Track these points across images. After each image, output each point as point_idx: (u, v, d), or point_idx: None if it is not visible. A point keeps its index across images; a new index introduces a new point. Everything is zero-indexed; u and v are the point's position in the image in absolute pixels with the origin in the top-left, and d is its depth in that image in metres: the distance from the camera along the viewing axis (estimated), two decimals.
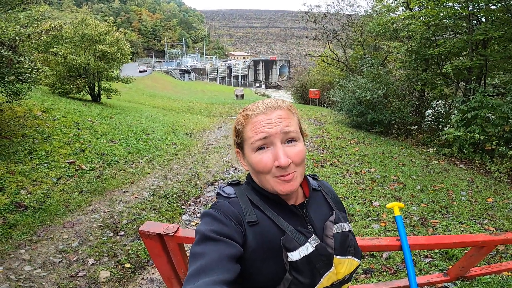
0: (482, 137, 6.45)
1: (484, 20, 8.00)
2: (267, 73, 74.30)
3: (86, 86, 11.43)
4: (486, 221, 3.61)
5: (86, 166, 4.63)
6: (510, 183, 5.29)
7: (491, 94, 7.36)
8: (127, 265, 2.68)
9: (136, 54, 74.41)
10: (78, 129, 6.21)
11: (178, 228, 1.16)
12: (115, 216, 3.48)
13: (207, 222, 0.72)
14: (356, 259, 0.80)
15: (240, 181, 0.87)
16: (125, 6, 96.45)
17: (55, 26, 8.86)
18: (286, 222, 0.76)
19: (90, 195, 3.88)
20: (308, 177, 0.90)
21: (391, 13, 12.10)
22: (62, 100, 9.40)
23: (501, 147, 6.25)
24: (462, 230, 3.31)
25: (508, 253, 2.75)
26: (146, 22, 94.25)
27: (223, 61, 74.01)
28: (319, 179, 0.98)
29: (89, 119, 7.41)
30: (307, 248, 0.72)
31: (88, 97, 12.05)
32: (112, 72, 12.41)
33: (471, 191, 4.65)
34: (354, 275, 0.82)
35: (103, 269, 2.58)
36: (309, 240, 0.74)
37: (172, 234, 1.13)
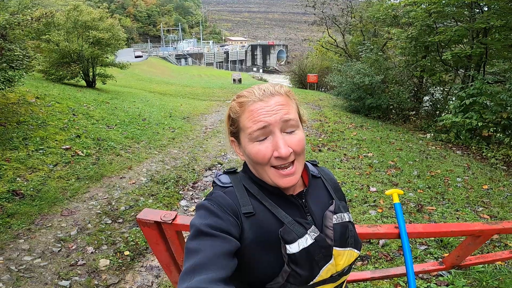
0: (479, 124, 6.46)
1: (486, 8, 7.86)
2: (264, 58, 73.34)
3: (81, 72, 11.28)
4: (481, 208, 3.65)
5: (82, 152, 4.59)
6: (506, 170, 5.34)
7: (490, 82, 7.33)
8: (126, 252, 2.69)
9: (131, 39, 72.85)
10: (73, 114, 6.12)
11: (176, 215, 1.14)
12: (113, 203, 3.48)
13: (202, 216, 0.69)
14: (355, 251, 0.78)
15: (236, 169, 0.84)
16: None
17: (46, 13, 8.61)
18: (285, 212, 0.74)
19: (87, 182, 3.86)
20: (307, 163, 0.87)
21: None
22: (56, 86, 9.23)
23: (498, 134, 6.28)
24: (457, 218, 3.35)
25: (502, 242, 2.80)
26: (141, 7, 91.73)
27: (220, 46, 72.87)
28: (319, 165, 0.94)
29: (84, 104, 7.30)
30: (306, 240, 0.70)
31: (83, 83, 11.87)
32: (107, 58, 12.21)
33: (467, 178, 4.69)
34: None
35: (103, 257, 2.59)
36: (308, 232, 0.71)
37: (170, 222, 1.11)
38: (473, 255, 1.71)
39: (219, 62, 61.66)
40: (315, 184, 0.85)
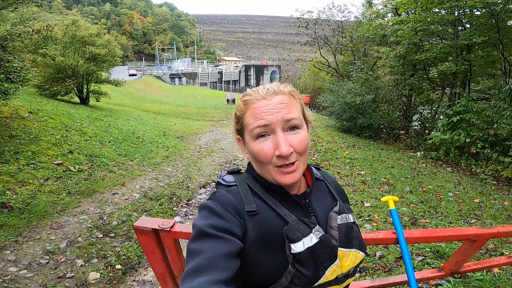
0: (467, 140, 6.63)
1: (468, 25, 8.27)
2: (258, 78, 74.67)
3: (75, 88, 11.23)
4: (473, 220, 3.69)
5: (74, 168, 4.52)
6: (496, 185, 5.44)
7: (475, 99, 7.60)
8: (118, 266, 2.61)
9: (126, 57, 73.61)
10: (66, 130, 6.08)
11: (174, 223, 1.13)
12: (105, 218, 3.40)
13: (204, 216, 0.68)
14: (361, 252, 0.77)
15: (240, 170, 0.84)
16: (116, 9, 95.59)
17: (46, 26, 8.70)
18: (289, 212, 0.73)
19: (78, 197, 3.78)
20: (311, 166, 0.87)
21: (380, 19, 12.37)
22: (50, 101, 9.20)
23: (486, 150, 6.43)
24: None
25: (497, 251, 2.82)
26: (137, 25, 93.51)
27: (214, 66, 74.21)
28: (322, 169, 0.94)
29: (78, 121, 7.27)
30: (311, 239, 0.69)
31: (77, 99, 11.83)
32: (102, 74, 12.23)
33: (458, 192, 4.75)
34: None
35: (93, 271, 2.51)
36: (313, 231, 0.70)
37: (168, 229, 1.09)
38: (470, 262, 1.72)
39: (213, 82, 62.41)
40: (319, 186, 0.85)
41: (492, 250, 2.83)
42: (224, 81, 64.94)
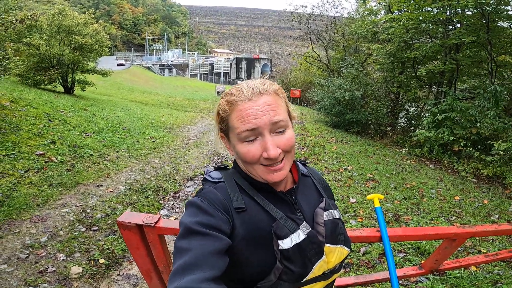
0: (450, 138, 6.80)
1: (459, 25, 8.41)
2: (249, 71, 74.25)
3: (59, 77, 10.95)
4: (453, 218, 3.81)
5: (56, 159, 4.39)
6: (476, 183, 5.62)
7: (461, 98, 7.78)
8: (101, 260, 2.56)
9: (114, 47, 71.72)
10: (49, 120, 5.89)
11: (159, 218, 1.11)
12: (88, 211, 3.33)
13: (192, 213, 0.67)
14: (346, 248, 0.78)
15: (227, 166, 0.83)
16: None
17: (30, 16, 8.39)
18: (276, 208, 0.73)
19: (60, 189, 3.68)
20: (297, 162, 0.87)
21: (373, 16, 12.44)
22: (32, 90, 8.89)
23: (468, 149, 6.62)
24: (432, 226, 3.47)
25: (475, 248, 2.91)
26: (127, 15, 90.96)
27: (205, 58, 73.23)
28: (308, 164, 0.94)
29: (61, 110, 7.04)
30: (298, 236, 0.70)
31: (61, 88, 11.52)
32: (88, 64, 11.97)
33: (440, 190, 4.89)
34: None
35: (75, 265, 2.45)
36: (300, 227, 0.71)
37: (152, 225, 1.08)
38: (449, 260, 1.78)
39: (203, 73, 61.78)
40: (305, 182, 0.85)
41: (470, 247, 2.93)
42: (215, 73, 64.32)
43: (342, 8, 18.10)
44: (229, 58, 74.22)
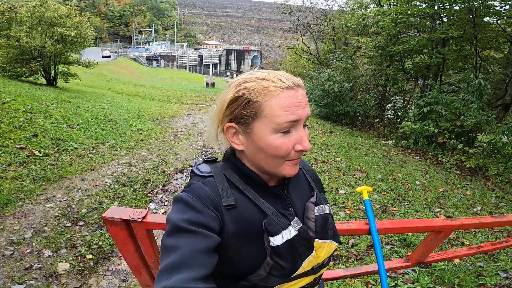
0: (435, 131, 6.96)
1: (446, 20, 8.54)
2: (239, 63, 73.46)
3: (41, 69, 10.67)
4: (438, 209, 3.92)
5: (39, 152, 4.25)
6: (459, 174, 5.80)
7: (446, 91, 7.95)
8: (89, 256, 2.52)
9: (100, 39, 69.35)
10: (31, 112, 5.68)
11: (146, 213, 1.08)
12: (73, 205, 3.25)
13: (180, 210, 0.65)
14: (335, 243, 0.78)
15: (216, 158, 0.79)
16: None
17: (10, 8, 8.06)
18: (267, 203, 0.71)
19: (44, 183, 3.57)
20: None
21: (363, 9, 12.48)
22: (13, 83, 8.56)
23: (451, 141, 6.80)
24: (417, 218, 3.56)
25: (458, 241, 3.01)
26: (113, 6, 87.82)
27: (194, 49, 71.96)
28: None
29: (44, 102, 6.81)
30: (289, 232, 0.69)
31: (43, 80, 11.18)
32: (72, 56, 11.67)
33: (425, 181, 5.02)
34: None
35: (62, 261, 2.40)
36: (291, 223, 0.70)
37: (140, 220, 1.05)
38: (435, 252, 1.83)
39: (192, 65, 60.81)
40: (296, 175, 0.82)
41: (454, 239, 3.03)
42: (204, 64, 63.41)
43: (332, 1, 18.25)
44: (218, 50, 73.08)
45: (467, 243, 2.92)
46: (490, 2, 7.01)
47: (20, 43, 9.57)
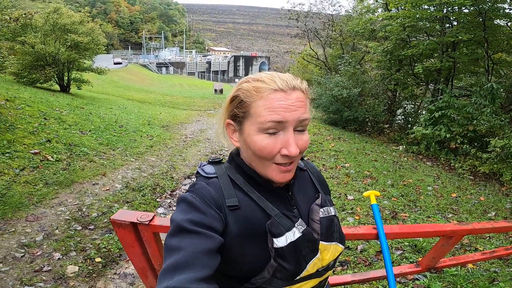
0: (447, 136, 6.82)
1: (455, 23, 8.42)
2: (247, 69, 74.01)
3: (55, 76, 10.93)
4: (450, 215, 3.82)
5: (52, 157, 4.35)
6: (472, 180, 5.65)
7: (457, 95, 7.80)
8: (98, 259, 2.55)
9: (111, 46, 71.00)
10: (45, 118, 5.84)
11: (153, 216, 1.10)
12: (84, 209, 3.31)
13: (183, 210, 0.65)
14: (340, 245, 0.77)
15: (221, 159, 0.80)
16: None
17: (25, 14, 8.35)
18: (271, 204, 0.71)
19: (56, 187, 3.65)
20: None
21: (370, 14, 12.42)
22: (28, 89, 8.84)
23: (464, 146, 6.64)
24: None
25: (472, 246, 2.93)
26: (124, 13, 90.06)
27: (203, 56, 72.90)
28: (305, 158, 0.92)
29: (57, 109, 7.00)
30: (293, 234, 0.68)
31: (57, 87, 11.49)
32: (84, 62, 11.95)
33: (437, 187, 4.91)
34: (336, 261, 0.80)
35: (71, 264, 2.44)
36: (295, 225, 0.70)
37: (147, 223, 1.06)
38: (446, 257, 1.78)
39: (201, 72, 61.60)
40: (302, 176, 0.84)
41: (467, 245, 2.94)
42: (213, 71, 64.14)
43: (339, 6, 18.11)
44: (226, 56, 73.88)
45: (481, 249, 2.83)
46: (500, 4, 6.89)
47: (35, 49, 9.79)
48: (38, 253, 2.51)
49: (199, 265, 0.57)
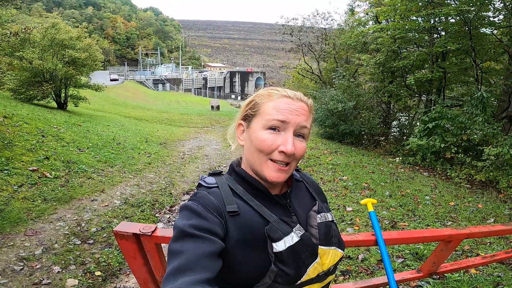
0: (442, 146, 6.89)
1: (443, 33, 8.64)
2: (243, 85, 74.43)
3: (52, 92, 10.90)
4: (449, 222, 3.84)
5: (50, 174, 4.35)
6: (470, 188, 5.69)
7: (450, 106, 7.93)
8: (97, 273, 2.54)
9: (107, 62, 71.26)
10: (42, 136, 5.86)
11: (156, 227, 1.12)
12: (83, 224, 3.30)
13: (186, 216, 0.68)
14: (339, 250, 0.80)
15: (222, 171, 0.84)
16: (98, 13, 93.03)
17: (24, 29, 8.42)
18: (270, 212, 0.74)
19: (54, 203, 3.65)
20: None
21: (361, 27, 12.70)
22: (25, 106, 8.88)
23: (459, 155, 6.71)
24: None
25: (473, 252, 2.93)
26: (121, 29, 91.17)
27: (199, 72, 73.25)
28: (301, 170, 0.97)
29: (55, 126, 7.03)
30: (292, 238, 0.71)
31: (54, 104, 11.48)
32: (81, 79, 11.95)
33: (434, 196, 4.93)
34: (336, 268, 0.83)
35: (70, 277, 2.43)
36: (293, 230, 0.72)
37: (149, 234, 1.08)
38: (448, 263, 1.79)
39: (197, 88, 61.79)
40: (298, 186, 0.88)
41: (468, 251, 2.95)
42: (209, 87, 64.42)
43: (332, 20, 18.34)
44: (222, 72, 74.37)
45: (483, 254, 2.84)
46: (484, 13, 7.08)
47: (32, 65, 9.75)
48: (37, 266, 2.51)
49: (202, 268, 0.59)
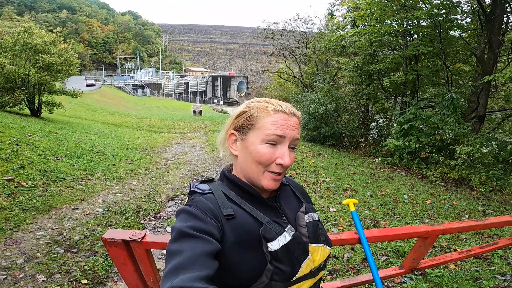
0: (417, 146, 7.19)
1: (416, 36, 9.02)
2: (225, 89, 74.07)
3: (25, 99, 10.45)
4: (427, 220, 4.03)
5: (27, 183, 4.19)
6: (444, 186, 5.98)
7: (423, 107, 8.29)
8: (84, 281, 2.48)
9: (83, 66, 68.47)
10: (17, 144, 5.63)
11: (145, 233, 1.12)
12: (65, 233, 3.21)
13: (183, 219, 0.71)
14: (327, 247, 0.86)
15: (213, 178, 0.88)
16: (73, 17, 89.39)
17: None
18: (262, 214, 0.79)
19: (33, 213, 3.53)
20: None
21: (340, 31, 12.98)
22: None
23: (433, 155, 7.02)
24: None
25: (451, 248, 3.10)
26: (97, 33, 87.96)
27: (180, 77, 72.03)
28: (287, 175, 1.03)
29: (29, 134, 6.76)
30: (285, 237, 0.76)
31: (27, 111, 10.99)
32: (55, 84, 11.52)
33: (412, 195, 5.15)
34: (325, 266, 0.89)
35: (56, 286, 2.37)
36: (286, 230, 0.77)
37: (139, 240, 1.08)
38: (427, 258, 1.90)
39: (179, 93, 60.83)
40: (285, 190, 0.94)
41: (446, 247, 3.12)
42: (191, 92, 63.55)
43: (312, 24, 18.51)
44: (204, 77, 73.46)
45: (459, 249, 3.00)
46: (453, 16, 7.45)
47: (4, 70, 9.39)
48: (21, 276, 2.44)
49: (200, 265, 0.62)
